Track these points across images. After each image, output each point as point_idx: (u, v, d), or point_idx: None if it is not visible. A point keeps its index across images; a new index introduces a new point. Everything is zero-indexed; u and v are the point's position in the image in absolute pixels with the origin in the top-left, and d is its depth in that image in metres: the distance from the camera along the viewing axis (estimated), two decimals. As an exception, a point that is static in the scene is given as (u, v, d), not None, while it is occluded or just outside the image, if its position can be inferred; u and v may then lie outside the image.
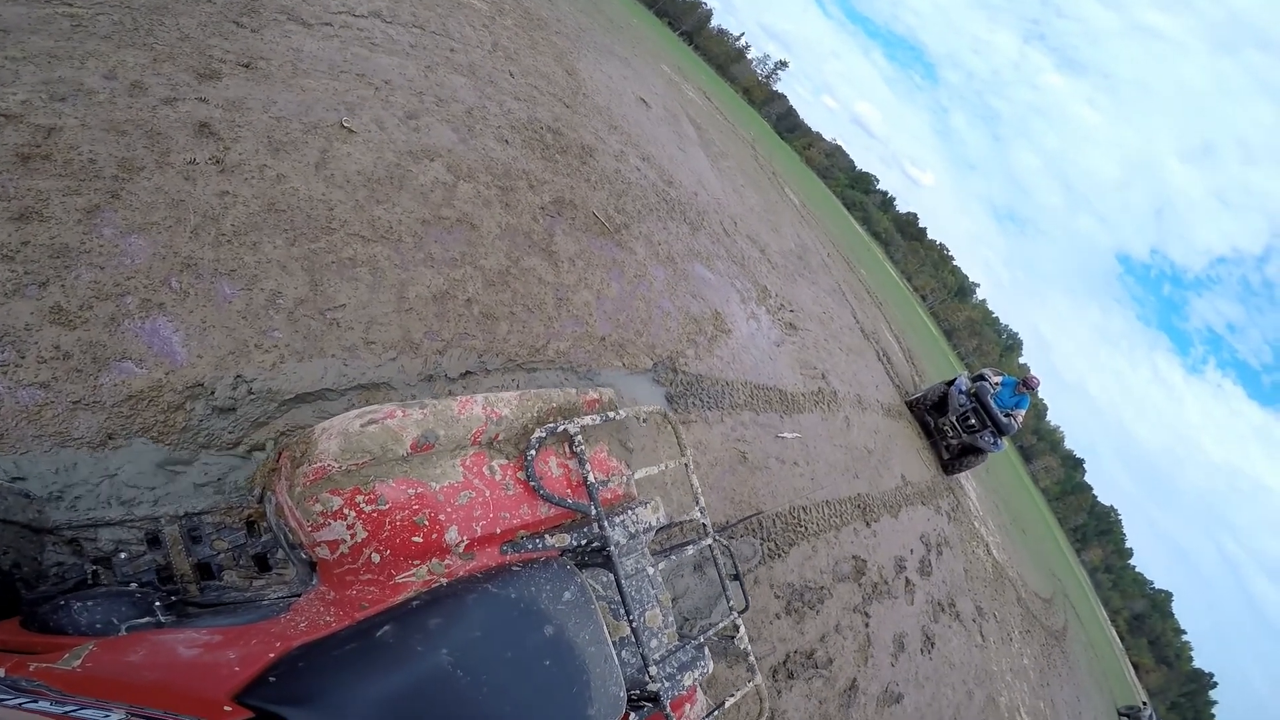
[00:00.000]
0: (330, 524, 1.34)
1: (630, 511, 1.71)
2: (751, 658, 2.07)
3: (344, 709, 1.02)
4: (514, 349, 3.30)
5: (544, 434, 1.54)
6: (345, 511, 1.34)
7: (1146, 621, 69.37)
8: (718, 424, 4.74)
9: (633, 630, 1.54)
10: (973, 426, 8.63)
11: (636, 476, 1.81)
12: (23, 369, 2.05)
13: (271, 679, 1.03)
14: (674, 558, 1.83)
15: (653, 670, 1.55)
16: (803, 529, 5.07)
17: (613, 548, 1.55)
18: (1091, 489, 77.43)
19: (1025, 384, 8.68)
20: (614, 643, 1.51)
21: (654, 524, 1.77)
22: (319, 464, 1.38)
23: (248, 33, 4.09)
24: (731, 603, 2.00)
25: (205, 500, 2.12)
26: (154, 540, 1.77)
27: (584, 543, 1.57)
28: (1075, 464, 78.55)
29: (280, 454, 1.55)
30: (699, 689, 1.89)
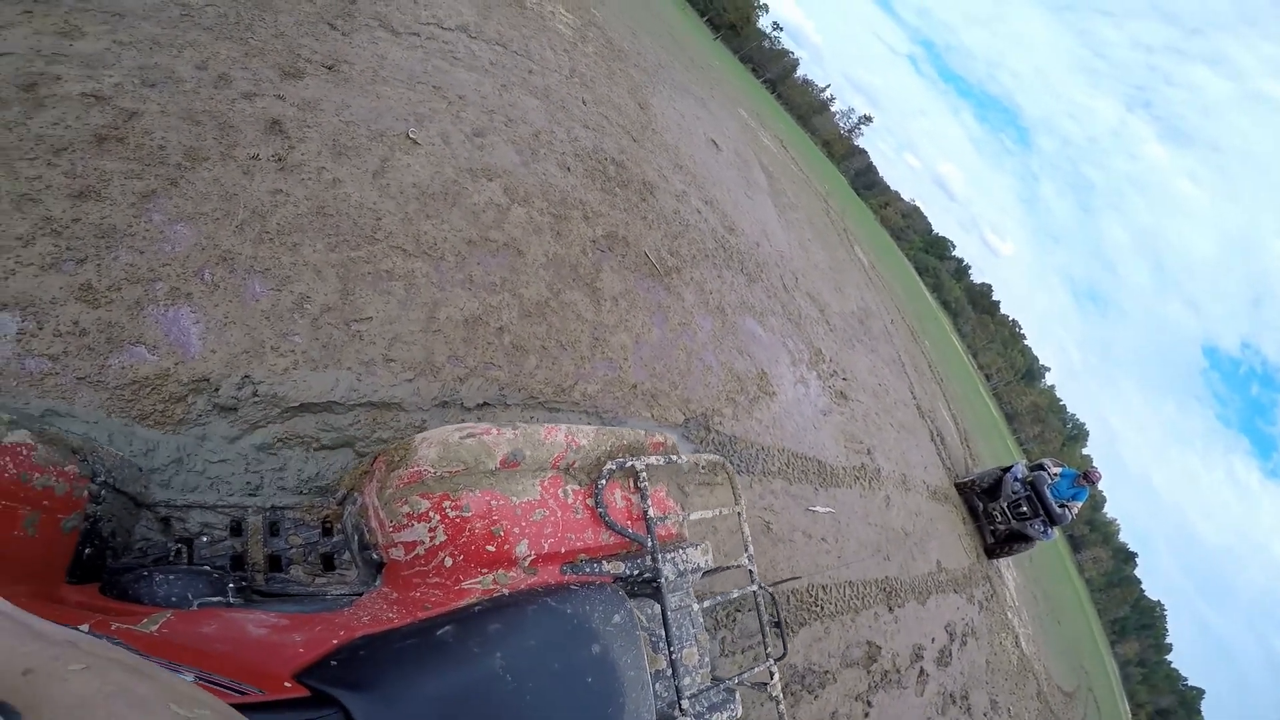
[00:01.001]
0: (413, 525, 1.42)
1: (681, 550, 1.76)
2: (782, 706, 2.02)
3: (398, 698, 1.04)
4: (539, 386, 3.16)
5: (614, 466, 1.63)
6: (431, 514, 1.41)
7: (1171, 718, 65.55)
8: (745, 490, 4.45)
9: (670, 663, 1.58)
10: (1024, 514, 8.32)
11: (690, 518, 1.85)
12: (38, 339, 2.03)
13: (333, 663, 1.07)
14: (719, 597, 1.86)
15: (684, 704, 1.57)
16: (818, 608, 4.69)
17: (663, 579, 1.61)
18: (1139, 583, 74.62)
19: (1086, 477, 8.24)
20: (650, 674, 1.52)
21: (702, 565, 1.81)
22: (415, 468, 1.46)
23: (339, 35, 4.22)
24: (769, 650, 2.01)
25: (289, 497, 2.18)
26: (237, 528, 1.85)
27: (635, 573, 1.62)
28: (1126, 557, 75.37)
29: (376, 458, 1.62)
30: None
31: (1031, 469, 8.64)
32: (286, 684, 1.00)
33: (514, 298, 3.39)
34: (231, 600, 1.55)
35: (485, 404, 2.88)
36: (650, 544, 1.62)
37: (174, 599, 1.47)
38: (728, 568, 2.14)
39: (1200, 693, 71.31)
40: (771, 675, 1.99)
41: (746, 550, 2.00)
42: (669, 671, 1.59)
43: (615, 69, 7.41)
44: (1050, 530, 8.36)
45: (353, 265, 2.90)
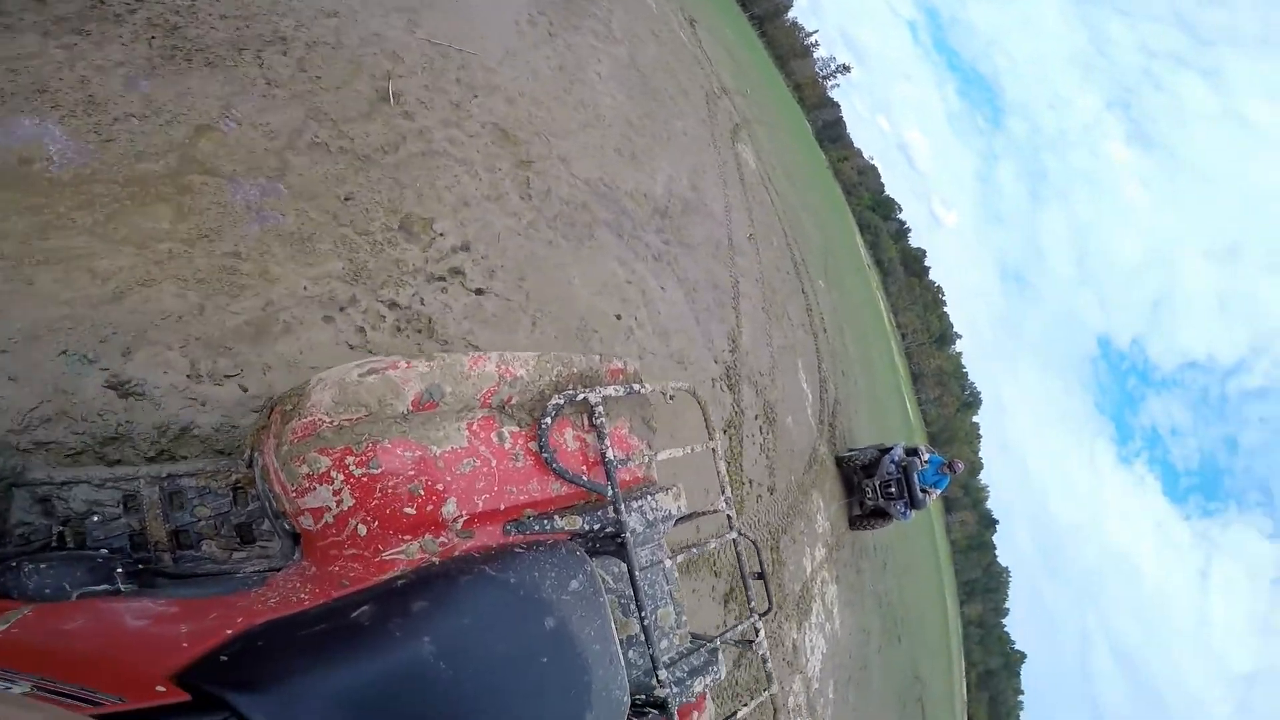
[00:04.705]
0: (315, 489, 1.23)
1: (650, 497, 1.61)
2: (769, 664, 1.87)
3: (300, 698, 0.90)
4: None
5: (562, 401, 1.43)
6: (333, 474, 1.22)
7: (995, 678, 70.49)
8: None
9: (643, 628, 1.46)
10: (891, 494, 8.89)
11: (659, 458, 1.66)
12: None
13: (223, 658, 0.93)
14: (695, 551, 1.72)
15: (662, 674, 1.47)
16: None
17: (628, 535, 1.44)
18: (994, 549, 78.97)
19: (949, 466, 9.17)
20: (621, 641, 1.42)
21: (674, 512, 1.68)
22: (309, 418, 1.25)
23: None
24: (753, 604, 1.89)
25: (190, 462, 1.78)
26: (131, 503, 1.54)
27: (597, 527, 1.46)
28: (989, 523, 79.19)
29: (272, 409, 1.37)
30: (709, 697, 1.77)
31: (908, 453, 9.09)
32: (160, 687, 0.85)
33: None
34: (122, 587, 1.36)
35: None
36: (611, 492, 1.43)
37: (48, 591, 1.30)
38: (704, 513, 1.90)
39: (1023, 657, 76.50)
40: (756, 632, 1.83)
41: (723, 492, 1.79)
42: (643, 637, 1.45)
43: None
44: (909, 512, 8.99)
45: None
